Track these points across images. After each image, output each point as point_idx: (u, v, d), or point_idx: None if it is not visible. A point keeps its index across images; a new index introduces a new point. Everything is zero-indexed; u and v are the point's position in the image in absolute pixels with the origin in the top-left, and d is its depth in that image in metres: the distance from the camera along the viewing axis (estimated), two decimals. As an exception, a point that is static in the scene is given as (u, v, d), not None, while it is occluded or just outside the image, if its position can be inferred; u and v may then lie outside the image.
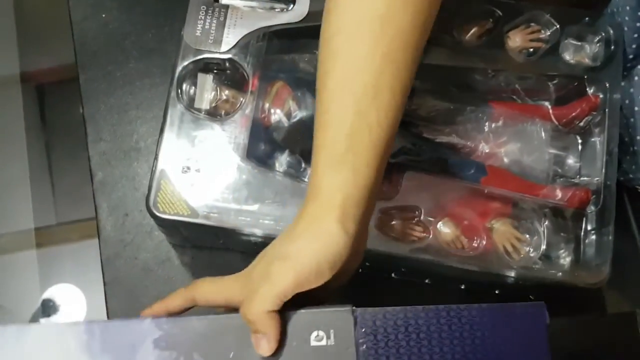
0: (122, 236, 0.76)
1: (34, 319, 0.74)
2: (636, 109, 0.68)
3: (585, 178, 0.68)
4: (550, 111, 0.71)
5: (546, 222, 0.67)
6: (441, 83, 0.72)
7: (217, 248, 0.75)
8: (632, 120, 0.69)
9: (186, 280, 0.76)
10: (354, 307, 0.49)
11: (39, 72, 0.86)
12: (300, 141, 0.69)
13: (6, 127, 0.81)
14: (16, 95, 0.83)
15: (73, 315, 0.75)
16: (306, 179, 0.69)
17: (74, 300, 0.75)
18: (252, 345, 0.48)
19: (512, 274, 0.64)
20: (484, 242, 0.64)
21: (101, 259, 0.75)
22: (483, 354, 0.48)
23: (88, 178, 0.77)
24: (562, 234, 0.67)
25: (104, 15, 0.84)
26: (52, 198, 0.79)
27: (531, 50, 0.70)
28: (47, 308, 0.74)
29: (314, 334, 0.48)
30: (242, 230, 0.64)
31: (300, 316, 0.49)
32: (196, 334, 0.49)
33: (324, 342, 0.48)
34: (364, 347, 0.48)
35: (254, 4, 0.70)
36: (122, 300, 0.74)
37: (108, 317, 0.73)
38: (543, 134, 0.71)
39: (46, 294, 0.75)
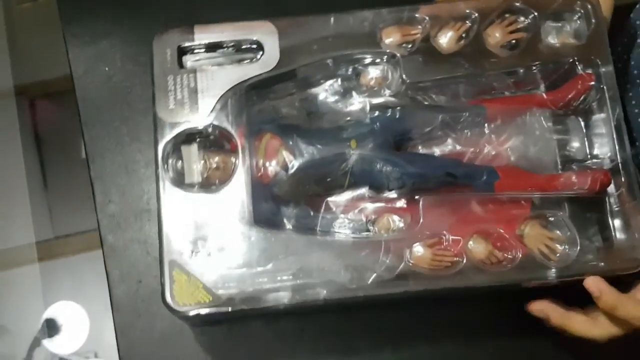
0: (136, 305, 0.71)
1: (37, 340, 0.72)
2: None
3: (597, 160, 0.66)
4: (546, 97, 0.69)
5: (567, 213, 0.65)
6: (430, 96, 0.69)
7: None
8: None
9: (206, 351, 0.71)
10: None
11: (32, 84, 0.82)
12: (303, 190, 0.66)
13: (2, 140, 0.77)
14: (11, 109, 0.79)
15: (76, 335, 0.71)
16: (319, 228, 0.65)
17: (77, 318, 0.73)
18: None
19: (554, 274, 0.61)
20: (520, 252, 0.61)
21: (115, 329, 0.70)
22: None
23: (89, 191, 0.71)
24: (587, 222, 0.65)
25: (106, 68, 0.78)
26: (50, 212, 0.77)
27: (513, 42, 0.68)
28: (50, 328, 0.73)
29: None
30: (266, 298, 0.60)
31: None
32: None
33: None
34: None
35: (220, 59, 0.66)
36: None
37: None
38: (543, 121, 0.69)
39: (48, 313, 0.72)
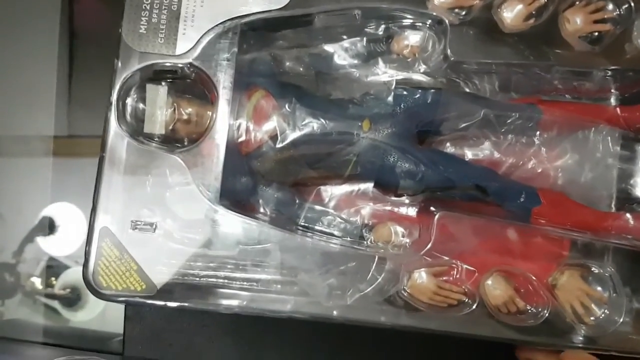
0: None
1: (32, 234, 0.69)
2: None
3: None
4: (620, 113, 0.54)
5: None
6: (474, 82, 0.54)
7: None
8: None
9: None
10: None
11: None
12: (291, 170, 0.52)
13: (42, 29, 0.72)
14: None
15: (71, 238, 0.69)
16: (302, 222, 0.52)
17: (75, 222, 0.69)
18: None
19: (581, 341, 0.48)
20: (548, 309, 0.47)
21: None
22: None
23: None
24: (632, 282, 0.51)
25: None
26: (69, 109, 0.72)
27: (595, 34, 0.52)
28: (46, 226, 0.70)
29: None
30: (214, 301, 0.47)
31: None
32: None
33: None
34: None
35: (218, -18, 0.51)
36: None
37: None
38: (610, 143, 0.54)
39: (47, 211, 0.70)
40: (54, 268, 0.69)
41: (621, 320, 0.47)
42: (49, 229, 0.70)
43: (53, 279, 0.69)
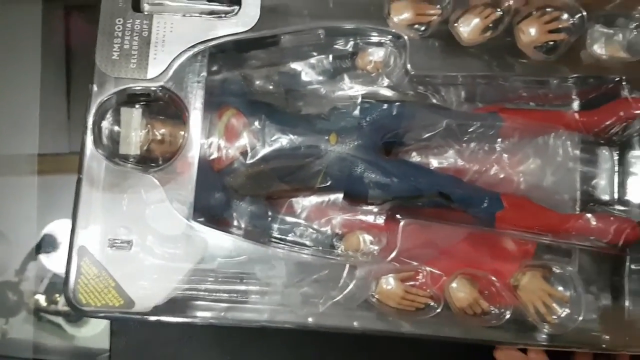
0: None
1: (33, 253, 0.70)
2: None
3: (625, 207, 0.54)
4: (578, 118, 0.56)
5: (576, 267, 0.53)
6: (440, 94, 0.56)
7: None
8: None
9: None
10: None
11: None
12: (263, 185, 0.54)
13: (24, 47, 0.74)
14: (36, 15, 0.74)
15: None
16: (276, 234, 0.54)
17: None
18: None
19: (545, 340, 0.50)
20: (510, 308, 0.49)
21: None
22: None
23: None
24: (596, 282, 0.53)
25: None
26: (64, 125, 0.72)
27: (551, 44, 0.55)
28: (48, 243, 0.70)
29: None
30: (192, 313, 0.49)
31: None
32: None
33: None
34: None
35: (185, 5, 0.53)
36: None
37: None
38: (570, 147, 0.56)
39: (48, 229, 0.70)
40: (57, 285, 0.69)
41: (581, 317, 0.49)
42: (52, 246, 0.70)
43: (57, 295, 0.69)
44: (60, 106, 0.72)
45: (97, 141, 0.51)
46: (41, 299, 0.69)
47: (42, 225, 0.70)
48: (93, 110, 0.50)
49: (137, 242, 0.49)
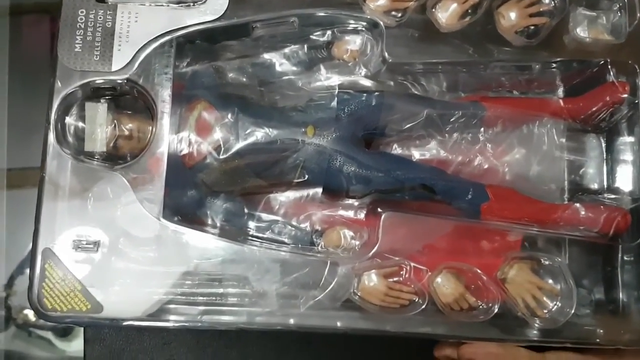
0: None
1: (21, 266, 0.68)
2: None
3: (615, 194, 0.52)
4: (563, 105, 0.54)
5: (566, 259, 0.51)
6: (421, 83, 0.54)
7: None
8: None
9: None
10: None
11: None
12: (238, 181, 0.52)
13: None
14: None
15: None
16: (253, 232, 0.51)
17: None
18: None
19: (536, 335, 0.48)
20: (497, 304, 0.47)
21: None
22: None
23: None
24: (589, 274, 0.51)
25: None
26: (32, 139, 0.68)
27: (532, 28, 0.53)
28: None
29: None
30: (163, 316, 0.46)
31: None
32: None
33: None
34: None
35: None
36: None
37: None
38: (555, 135, 0.54)
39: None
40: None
41: (573, 311, 0.47)
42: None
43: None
44: (28, 120, 0.69)
45: (61, 138, 0.48)
46: (30, 314, 0.68)
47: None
48: (55, 105, 0.48)
49: (104, 244, 0.46)
